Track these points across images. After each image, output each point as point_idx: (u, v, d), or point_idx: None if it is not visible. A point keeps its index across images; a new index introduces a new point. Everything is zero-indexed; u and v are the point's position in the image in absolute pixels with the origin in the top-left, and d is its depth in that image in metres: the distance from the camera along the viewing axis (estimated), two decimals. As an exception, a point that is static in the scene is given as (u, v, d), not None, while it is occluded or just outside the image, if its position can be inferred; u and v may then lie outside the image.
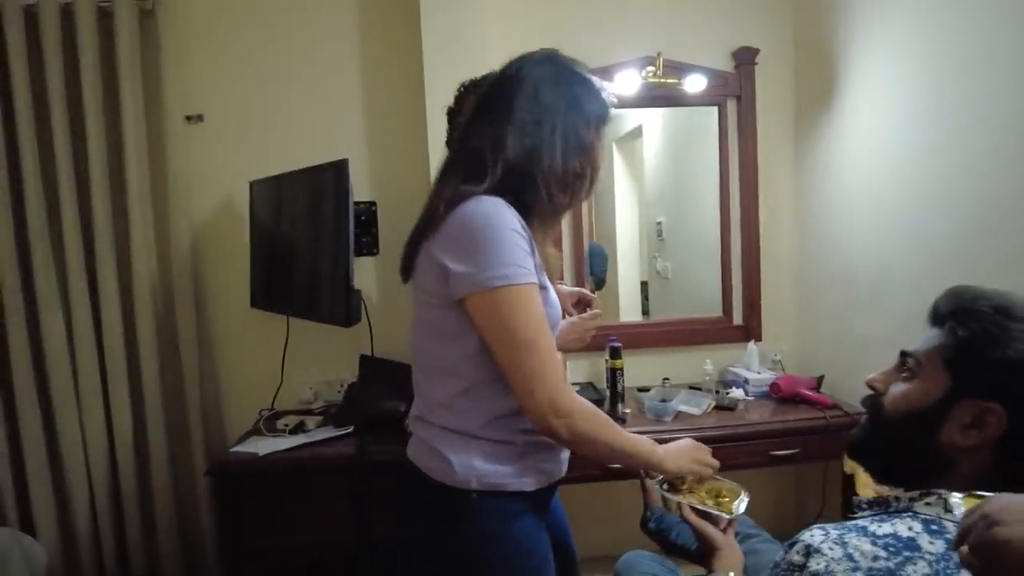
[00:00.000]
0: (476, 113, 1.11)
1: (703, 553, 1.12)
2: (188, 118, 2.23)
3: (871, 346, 2.09)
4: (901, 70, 1.89)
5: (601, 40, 2.31)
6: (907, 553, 0.74)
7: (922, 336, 0.88)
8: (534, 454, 1.10)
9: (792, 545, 0.80)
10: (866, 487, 1.68)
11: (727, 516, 1.12)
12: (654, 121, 2.69)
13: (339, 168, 1.86)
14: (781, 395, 2.19)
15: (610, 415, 1.27)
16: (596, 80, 1.15)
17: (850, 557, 0.74)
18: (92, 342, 2.13)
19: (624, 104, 2.29)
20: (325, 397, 2.34)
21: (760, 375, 2.31)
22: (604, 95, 1.14)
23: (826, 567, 0.74)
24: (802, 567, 0.77)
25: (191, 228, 2.26)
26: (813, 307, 2.45)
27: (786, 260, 2.52)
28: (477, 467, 1.06)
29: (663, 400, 2.11)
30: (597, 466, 1.91)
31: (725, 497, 1.17)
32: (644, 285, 2.81)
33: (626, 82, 2.27)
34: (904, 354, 0.89)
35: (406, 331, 2.16)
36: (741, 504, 1.15)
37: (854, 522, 0.81)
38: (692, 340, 2.51)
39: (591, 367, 2.44)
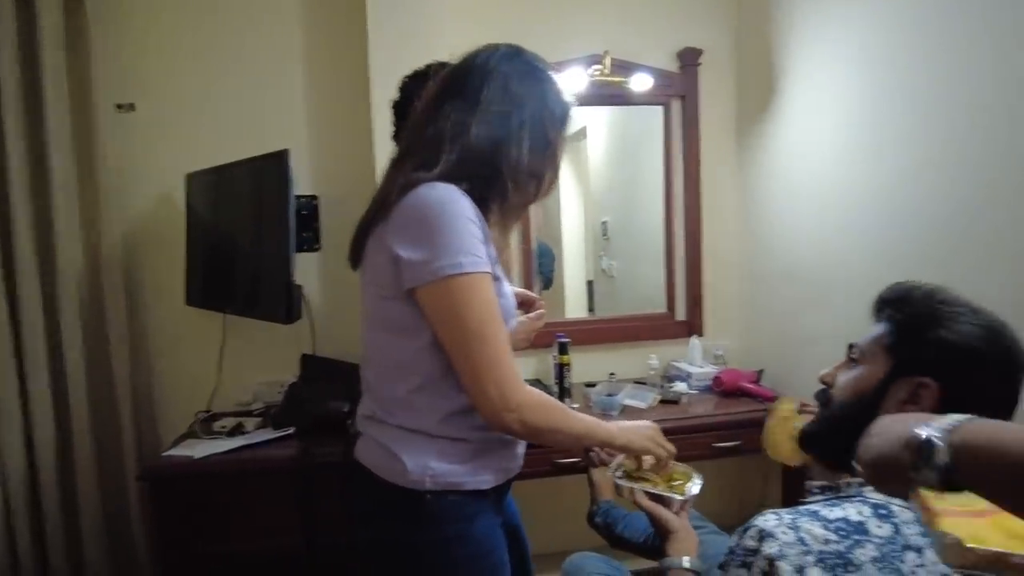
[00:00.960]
0: (437, 100, 1.07)
1: (658, 538, 1.13)
2: (119, 107, 2.13)
3: (812, 341, 2.16)
4: (839, 74, 1.97)
5: (548, 36, 2.31)
6: (856, 537, 0.76)
7: (870, 330, 0.92)
8: (490, 451, 1.08)
9: (746, 530, 0.81)
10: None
11: (680, 497, 1.13)
12: (598, 122, 2.73)
13: (280, 159, 1.81)
14: (723, 388, 2.24)
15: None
16: (558, 80, 1.14)
17: (802, 541, 0.76)
18: (10, 341, 1.99)
19: (572, 102, 2.31)
20: (265, 398, 2.26)
21: (703, 369, 2.36)
22: (566, 96, 1.13)
23: (779, 551, 0.75)
24: (756, 551, 0.78)
25: (123, 222, 2.15)
26: (755, 303, 2.52)
27: (728, 257, 2.59)
28: (431, 466, 1.03)
29: (609, 394, 2.13)
30: (545, 462, 1.92)
31: (678, 480, 1.18)
32: (590, 284, 2.84)
33: (573, 80, 2.28)
34: (851, 346, 0.94)
35: (349, 329, 2.16)
36: (694, 486, 1.17)
37: (806, 507, 0.82)
38: (637, 336, 2.54)
39: (539, 363, 2.44)
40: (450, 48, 1.14)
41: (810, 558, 0.74)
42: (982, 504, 0.68)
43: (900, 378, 0.84)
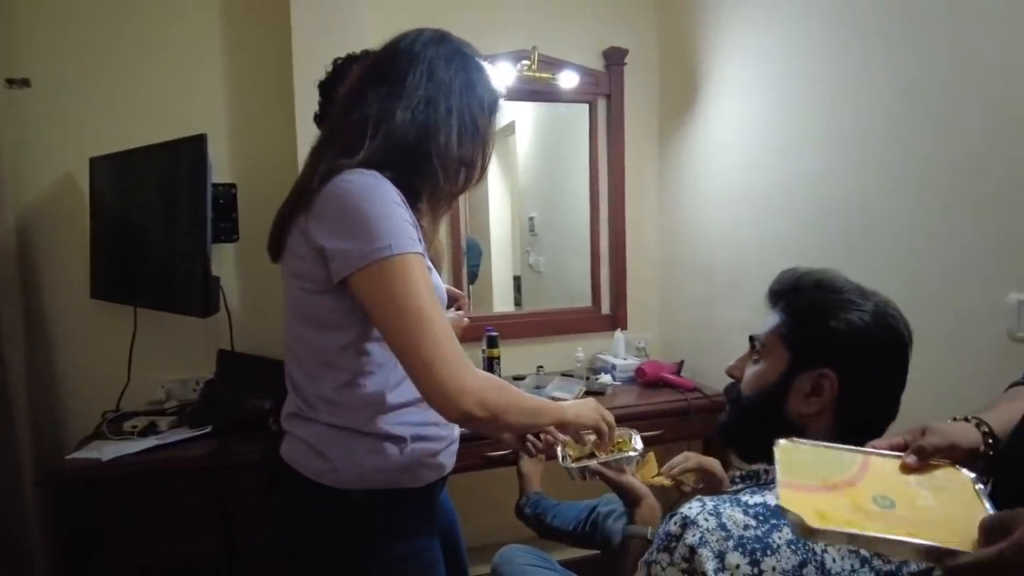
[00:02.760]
0: (361, 84, 1.03)
1: (628, 505, 1.18)
2: (10, 82, 1.96)
3: (728, 331, 2.26)
4: (755, 79, 2.06)
5: (476, 29, 2.25)
6: (774, 521, 0.79)
7: (765, 320, 0.96)
8: (422, 448, 1.05)
9: (672, 516, 0.83)
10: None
11: (634, 453, 1.18)
12: (526, 118, 2.74)
13: (197, 144, 1.72)
14: (646, 379, 2.31)
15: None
16: (487, 67, 1.11)
17: (723, 527, 0.78)
18: None
19: (500, 96, 2.32)
20: (179, 396, 2.15)
21: (626, 361, 2.42)
22: (495, 82, 1.10)
23: (700, 538, 0.77)
24: (679, 537, 0.80)
25: (16, 208, 1.98)
26: (674, 296, 2.61)
27: (650, 253, 2.67)
28: (362, 465, 1.00)
29: (537, 387, 2.16)
30: (475, 455, 1.92)
31: (620, 440, 1.22)
32: (517, 279, 2.86)
33: (502, 74, 2.28)
34: (752, 338, 0.97)
35: (269, 324, 2.09)
36: (637, 441, 1.20)
37: (730, 494, 0.86)
38: (564, 330, 2.58)
39: (469, 357, 2.43)
40: (375, 34, 1.11)
41: (730, 543, 0.76)
42: (837, 477, 0.71)
43: (801, 372, 0.89)
